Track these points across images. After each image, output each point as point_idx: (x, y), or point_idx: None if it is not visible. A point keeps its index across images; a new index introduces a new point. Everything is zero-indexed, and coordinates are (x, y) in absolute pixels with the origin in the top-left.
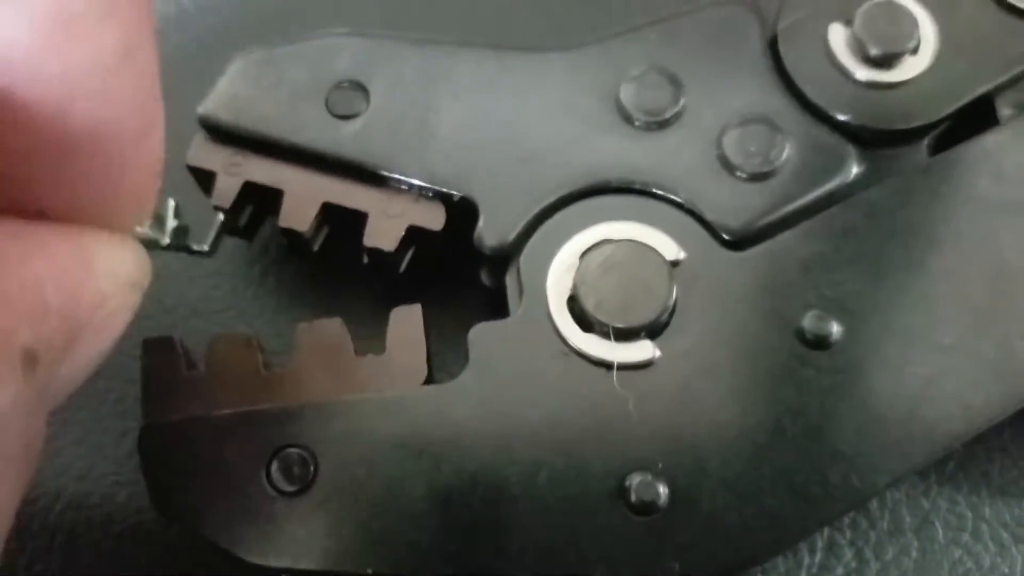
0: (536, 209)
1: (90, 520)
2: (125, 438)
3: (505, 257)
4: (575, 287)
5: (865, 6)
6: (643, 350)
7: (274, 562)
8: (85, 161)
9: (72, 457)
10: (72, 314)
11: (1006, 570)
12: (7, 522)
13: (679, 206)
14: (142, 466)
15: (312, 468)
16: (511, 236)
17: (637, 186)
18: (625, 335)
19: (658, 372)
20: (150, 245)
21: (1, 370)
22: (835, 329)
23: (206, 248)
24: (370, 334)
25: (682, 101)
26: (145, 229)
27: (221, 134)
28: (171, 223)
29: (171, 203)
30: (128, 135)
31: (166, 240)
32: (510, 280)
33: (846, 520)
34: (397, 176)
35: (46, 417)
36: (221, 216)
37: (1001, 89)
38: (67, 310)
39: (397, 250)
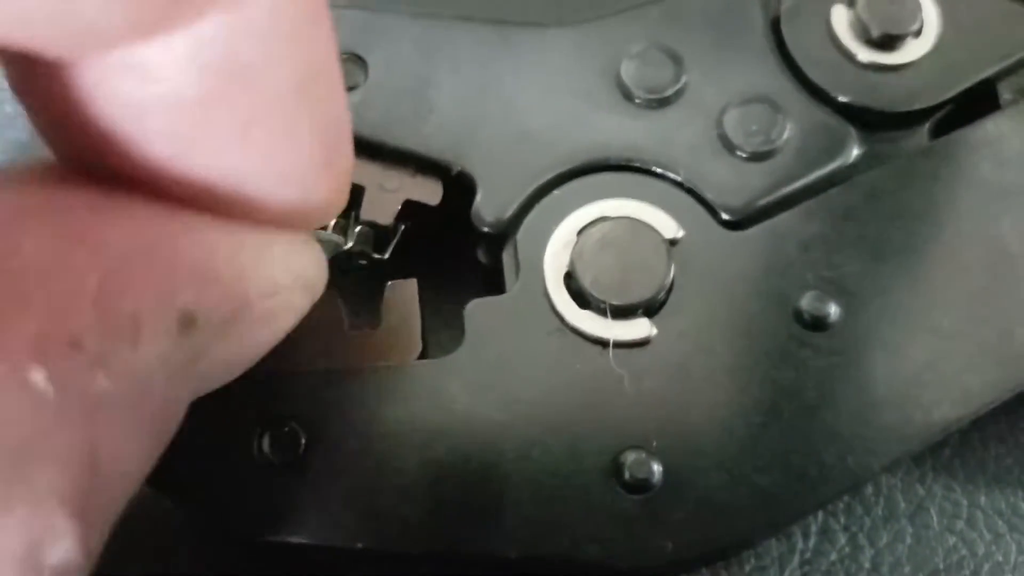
0: (534, 185)
1: None
2: None
3: (502, 233)
4: (572, 264)
5: None
6: (640, 328)
7: (263, 535)
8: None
9: None
10: (239, 293)
11: (1000, 558)
12: (130, 488)
13: (678, 184)
14: None
15: (303, 440)
16: (509, 212)
17: (636, 164)
18: (622, 313)
19: (654, 350)
20: (332, 248)
21: (156, 325)
22: (833, 310)
23: (385, 256)
24: (365, 308)
25: (683, 79)
26: (328, 233)
27: None
28: (355, 227)
29: (355, 213)
30: (311, 169)
31: (349, 243)
32: (507, 256)
33: (840, 505)
34: (394, 149)
35: (191, 395)
36: (402, 227)
37: (1003, 74)
38: (235, 286)
39: (393, 224)
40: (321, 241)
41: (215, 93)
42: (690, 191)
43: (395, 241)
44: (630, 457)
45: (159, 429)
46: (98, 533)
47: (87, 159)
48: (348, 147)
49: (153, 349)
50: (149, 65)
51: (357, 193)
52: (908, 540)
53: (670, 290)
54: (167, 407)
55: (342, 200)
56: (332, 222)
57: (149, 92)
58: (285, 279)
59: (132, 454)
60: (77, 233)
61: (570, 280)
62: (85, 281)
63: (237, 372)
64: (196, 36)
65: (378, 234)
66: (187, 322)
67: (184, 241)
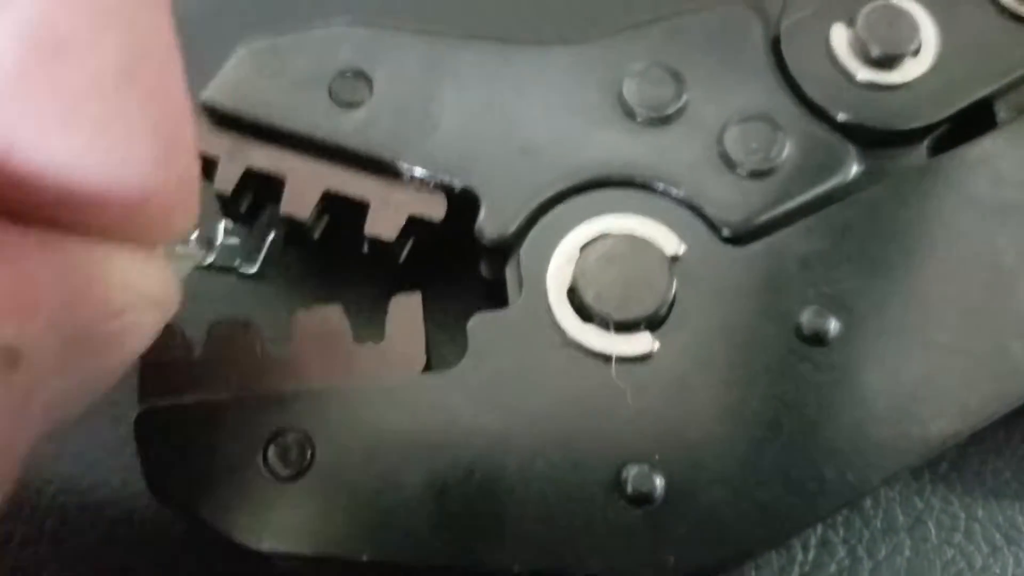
0: (537, 201)
1: (83, 505)
2: (120, 423)
3: (506, 249)
4: (575, 279)
5: (867, 8)
6: (642, 343)
7: (268, 546)
8: (92, 192)
9: (66, 441)
10: (69, 319)
11: (998, 571)
12: None
13: (680, 201)
14: (138, 450)
15: (309, 453)
16: (512, 228)
17: (638, 180)
18: (624, 327)
19: (656, 365)
20: (190, 263)
21: None
22: (833, 326)
23: (253, 271)
24: (369, 322)
25: (684, 97)
26: (187, 247)
27: (223, 121)
28: (219, 241)
29: (221, 224)
30: (143, 163)
31: (210, 259)
32: (510, 271)
33: (839, 518)
34: (399, 165)
35: (33, 434)
36: (271, 237)
37: (1001, 93)
38: (63, 314)
39: (398, 239)
40: (178, 257)
41: (33, 67)
42: (691, 208)
43: (264, 253)
44: (632, 471)
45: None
46: None
47: None
48: (188, 147)
49: None
50: None
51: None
52: (907, 553)
53: (672, 305)
54: (7, 447)
55: (187, 208)
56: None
57: None
58: (127, 301)
59: None
60: None
61: (573, 295)
62: None
63: (88, 400)
64: (13, 9)
65: (245, 246)
66: (11, 360)
67: (2, 269)
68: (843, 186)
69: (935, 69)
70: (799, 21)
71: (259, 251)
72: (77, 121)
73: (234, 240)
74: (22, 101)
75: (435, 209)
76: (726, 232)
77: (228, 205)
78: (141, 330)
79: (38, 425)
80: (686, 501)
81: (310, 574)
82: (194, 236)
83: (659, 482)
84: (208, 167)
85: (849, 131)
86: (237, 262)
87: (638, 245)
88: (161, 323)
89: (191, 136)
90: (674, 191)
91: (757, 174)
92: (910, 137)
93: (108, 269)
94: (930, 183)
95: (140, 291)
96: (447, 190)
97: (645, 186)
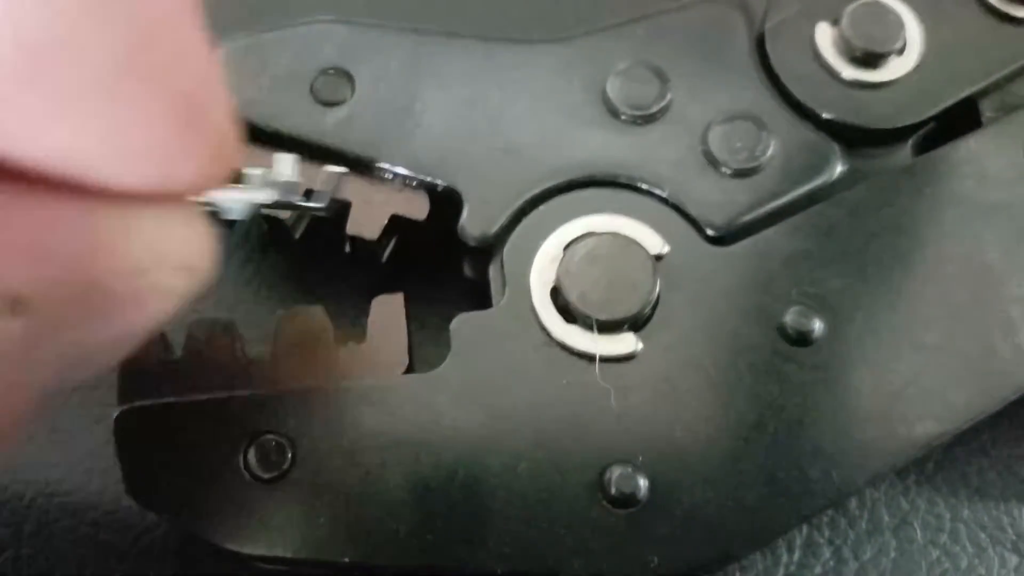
0: (520, 201)
1: (63, 508)
2: (100, 424)
3: (489, 248)
4: (559, 279)
5: (852, 6)
6: (626, 343)
7: (249, 549)
8: (101, 178)
9: (45, 443)
10: (84, 271)
11: (983, 571)
12: None
13: (664, 200)
14: (117, 452)
15: (290, 455)
16: (495, 227)
17: (622, 180)
18: (608, 327)
19: (640, 365)
20: (248, 206)
21: None
22: (817, 326)
23: (323, 207)
24: (351, 322)
25: (668, 96)
26: (248, 186)
27: None
28: (281, 179)
29: (278, 157)
30: (157, 145)
31: (271, 198)
32: (493, 271)
33: (825, 519)
34: (381, 164)
35: (46, 382)
36: (341, 171)
37: (986, 91)
38: (78, 266)
39: (380, 239)
40: (224, 204)
41: (25, 63)
42: (675, 207)
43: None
44: (616, 472)
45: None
46: None
47: None
48: (218, 111)
49: None
50: None
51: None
52: (892, 554)
53: (656, 305)
54: (8, 394)
55: (221, 167)
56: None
57: None
58: (150, 259)
59: None
60: None
61: (556, 295)
62: None
63: (109, 358)
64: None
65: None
66: (18, 303)
67: (13, 216)
68: (828, 185)
69: (920, 68)
70: (784, 20)
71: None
72: (76, 116)
73: (294, 180)
74: (16, 101)
75: (417, 208)
76: (710, 232)
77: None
78: (166, 292)
79: (46, 377)
80: (670, 502)
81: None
82: (259, 171)
83: (643, 483)
84: None
85: (834, 130)
86: (296, 197)
87: (622, 245)
88: (191, 288)
89: (221, 100)
90: (658, 190)
91: (741, 173)
92: (895, 136)
93: (133, 227)
94: (915, 182)
95: (166, 251)
96: (430, 189)
97: (629, 185)
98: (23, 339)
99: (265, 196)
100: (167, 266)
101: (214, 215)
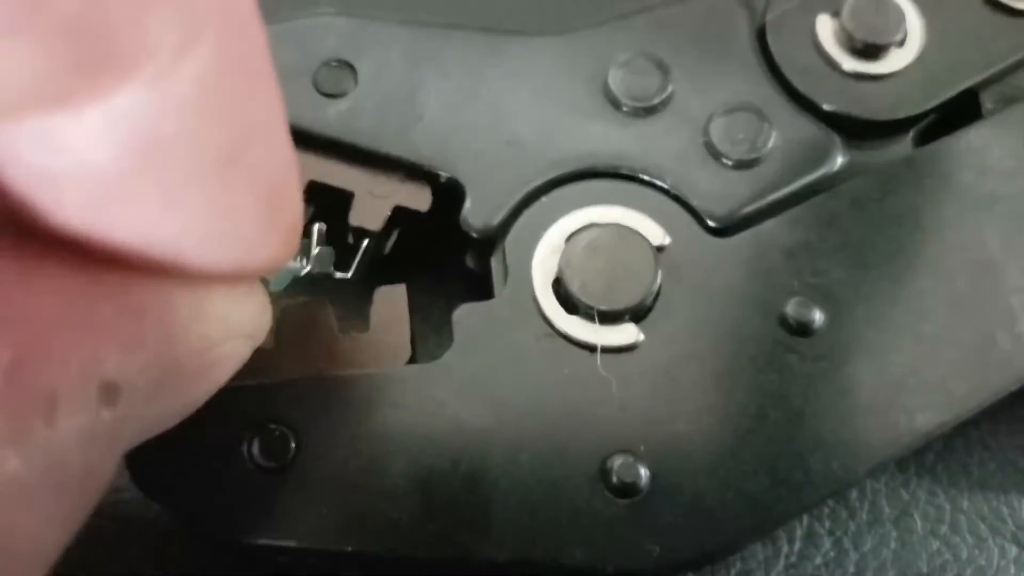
0: (523, 192)
1: None
2: None
3: (491, 239)
4: (560, 269)
5: None
6: (627, 333)
7: (253, 538)
8: (195, 264)
9: None
10: (169, 355)
11: (983, 562)
12: (49, 561)
13: (665, 192)
14: None
15: (293, 445)
16: (497, 218)
17: (624, 171)
18: (609, 318)
19: (642, 355)
20: (289, 276)
21: (75, 398)
22: (818, 316)
23: (348, 276)
24: (354, 313)
25: (670, 88)
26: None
27: None
28: (315, 251)
29: (316, 229)
30: (248, 233)
31: (306, 269)
32: (495, 262)
33: (825, 510)
34: (384, 156)
35: (118, 458)
36: (365, 243)
37: (986, 83)
38: (164, 349)
39: (383, 230)
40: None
41: (133, 166)
42: (676, 198)
43: (359, 258)
44: (617, 461)
45: (80, 500)
46: None
47: (7, 220)
48: (294, 201)
49: (72, 424)
50: (59, 137)
51: (324, 211)
52: (892, 544)
53: (657, 296)
54: (89, 477)
55: (290, 250)
56: None
57: (62, 163)
58: (222, 334)
59: (50, 531)
60: None
61: (558, 286)
62: None
63: (172, 424)
64: (111, 108)
65: (339, 253)
66: (110, 392)
67: (107, 306)
68: (829, 177)
69: (921, 59)
70: (785, 12)
71: (354, 255)
72: (180, 208)
73: (328, 248)
74: (123, 196)
75: (420, 200)
76: (711, 223)
77: None
78: (232, 360)
79: (124, 449)
80: (671, 492)
81: (295, 565)
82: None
83: (644, 473)
84: None
85: (835, 121)
86: (331, 268)
87: (623, 236)
88: (250, 351)
89: (296, 191)
90: (659, 182)
91: (742, 165)
92: (896, 127)
93: (208, 305)
94: (916, 174)
95: (235, 325)
96: (432, 181)
97: (630, 177)
98: (114, 425)
99: (304, 267)
100: (235, 337)
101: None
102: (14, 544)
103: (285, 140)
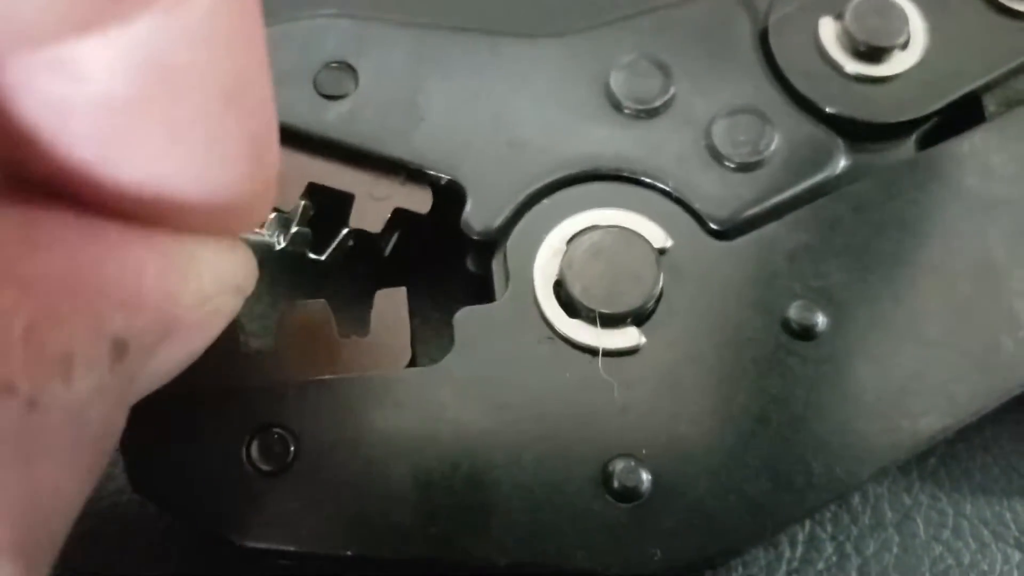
0: (524, 194)
1: None
2: None
3: (492, 242)
4: (562, 272)
5: (855, 1)
6: (629, 337)
7: (252, 541)
8: (190, 201)
9: None
10: (169, 309)
11: (985, 567)
12: (73, 513)
13: (667, 194)
14: (120, 444)
15: (292, 448)
16: (498, 221)
17: (626, 174)
18: (611, 321)
19: (643, 359)
20: (263, 248)
21: (89, 355)
22: (820, 320)
23: (323, 258)
24: (354, 316)
25: (672, 90)
26: (263, 232)
27: None
28: (294, 228)
29: (301, 206)
30: (238, 174)
31: (282, 244)
32: (496, 265)
33: (827, 514)
34: (384, 157)
35: (127, 410)
36: (344, 231)
37: (989, 86)
38: (164, 304)
39: (383, 232)
40: (251, 244)
41: (145, 96)
42: (679, 201)
43: (335, 243)
44: (619, 465)
45: (98, 454)
46: (40, 567)
47: (7, 164)
48: (274, 155)
49: (87, 382)
50: (80, 64)
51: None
52: (895, 549)
53: (659, 299)
54: (104, 432)
55: (268, 206)
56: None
57: (77, 92)
58: (215, 288)
59: (72, 486)
60: (4, 271)
61: (560, 289)
62: (13, 323)
63: (171, 377)
64: (131, 36)
65: (315, 235)
66: (120, 350)
67: (111, 266)
68: (831, 180)
69: (923, 62)
70: (787, 14)
71: (330, 240)
72: (182, 144)
73: (307, 229)
74: (130, 129)
75: (421, 202)
76: (714, 226)
77: None
78: (224, 313)
79: (130, 402)
80: (673, 496)
81: (294, 568)
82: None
83: (646, 477)
84: None
85: (837, 124)
86: (306, 249)
87: (625, 239)
88: (240, 305)
89: (277, 141)
90: (661, 185)
91: (745, 167)
92: (898, 130)
93: (202, 260)
94: (918, 177)
95: (227, 279)
96: (433, 183)
97: (632, 179)
98: (125, 379)
99: (280, 243)
100: (225, 291)
101: None
102: (40, 498)
103: (271, 94)
